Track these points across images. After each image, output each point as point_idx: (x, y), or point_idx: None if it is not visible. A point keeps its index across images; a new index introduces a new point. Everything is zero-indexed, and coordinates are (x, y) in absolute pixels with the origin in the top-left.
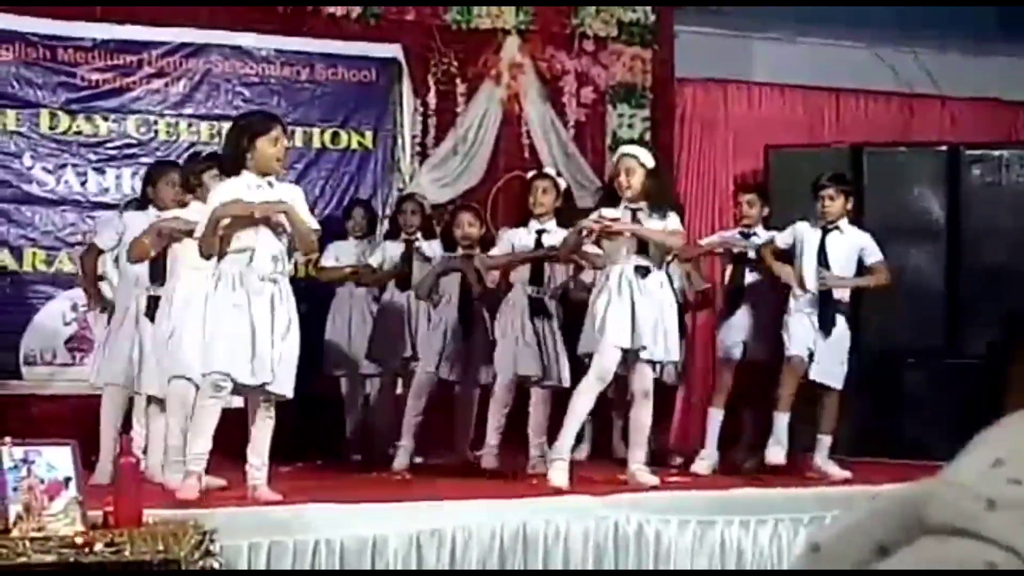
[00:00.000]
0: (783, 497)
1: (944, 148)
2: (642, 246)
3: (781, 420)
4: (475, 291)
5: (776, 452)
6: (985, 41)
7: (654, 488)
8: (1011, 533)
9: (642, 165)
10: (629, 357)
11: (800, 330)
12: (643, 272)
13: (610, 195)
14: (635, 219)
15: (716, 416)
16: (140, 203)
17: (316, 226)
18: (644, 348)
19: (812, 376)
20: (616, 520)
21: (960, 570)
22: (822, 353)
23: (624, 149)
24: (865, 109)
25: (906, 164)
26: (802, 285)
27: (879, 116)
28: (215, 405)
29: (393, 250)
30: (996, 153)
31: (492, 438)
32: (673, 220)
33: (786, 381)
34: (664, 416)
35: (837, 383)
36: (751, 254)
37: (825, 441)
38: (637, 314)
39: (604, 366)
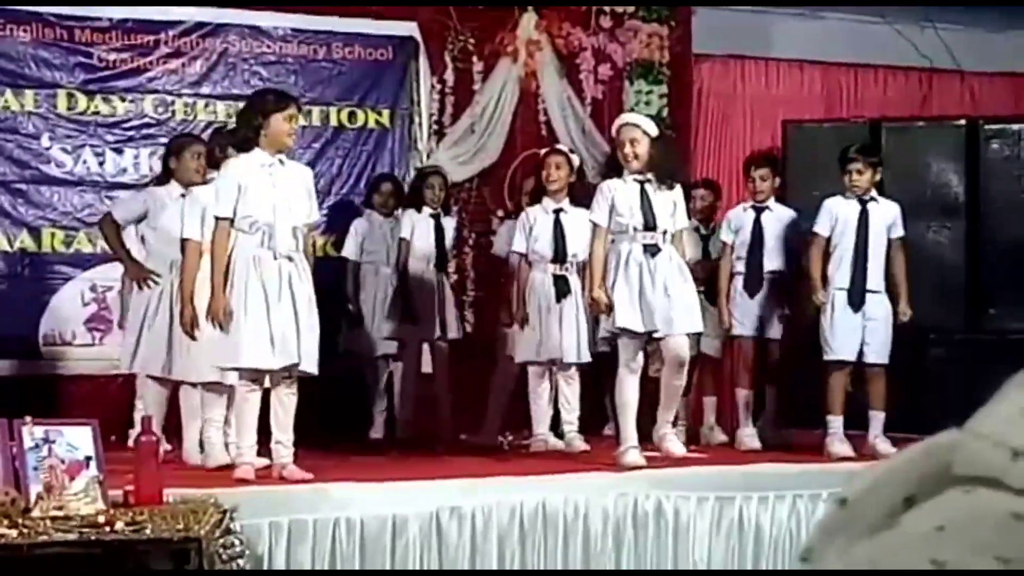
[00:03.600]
0: (802, 473)
1: (963, 123)
2: (650, 223)
3: (836, 422)
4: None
5: (840, 447)
6: (1005, 15)
7: (672, 464)
8: None
9: (646, 134)
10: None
11: (843, 331)
12: (653, 251)
13: (615, 167)
14: (643, 191)
15: (744, 395)
16: (161, 177)
17: (317, 217)
18: (657, 330)
19: (866, 359)
20: (635, 497)
21: (984, 520)
22: (871, 334)
23: (625, 118)
24: (884, 84)
25: (925, 139)
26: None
27: (898, 91)
28: (255, 397)
29: (422, 224)
30: (1015, 127)
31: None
32: (678, 192)
33: (835, 387)
34: (702, 390)
35: (884, 359)
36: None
37: (879, 417)
38: (648, 296)
39: (628, 356)
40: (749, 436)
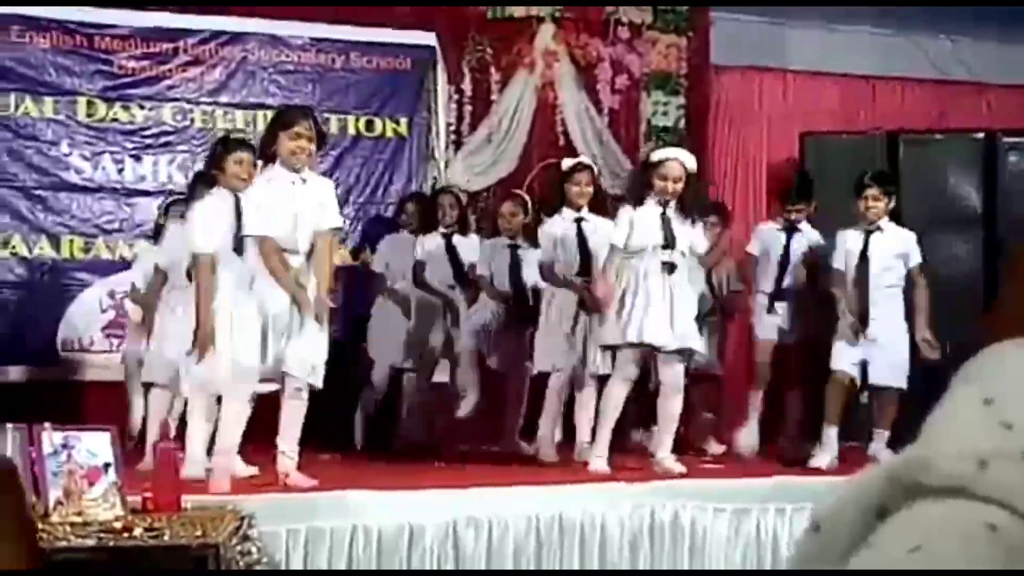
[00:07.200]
0: (819, 485)
1: (981, 135)
2: (668, 242)
3: (831, 431)
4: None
5: (824, 459)
6: (1021, 26)
7: (690, 475)
8: (1008, 489)
9: (686, 171)
10: (657, 352)
11: (844, 344)
12: (669, 268)
13: (639, 191)
14: (664, 219)
15: (755, 398)
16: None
17: (339, 223)
18: (665, 345)
19: (871, 381)
20: (652, 508)
21: (959, 534)
22: (875, 356)
23: (673, 154)
24: (901, 96)
25: (943, 151)
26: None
27: (915, 103)
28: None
29: (433, 244)
30: None
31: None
32: (698, 229)
33: (834, 395)
34: (703, 405)
35: (899, 382)
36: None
37: (882, 435)
38: (660, 312)
39: (627, 369)
40: (745, 436)
